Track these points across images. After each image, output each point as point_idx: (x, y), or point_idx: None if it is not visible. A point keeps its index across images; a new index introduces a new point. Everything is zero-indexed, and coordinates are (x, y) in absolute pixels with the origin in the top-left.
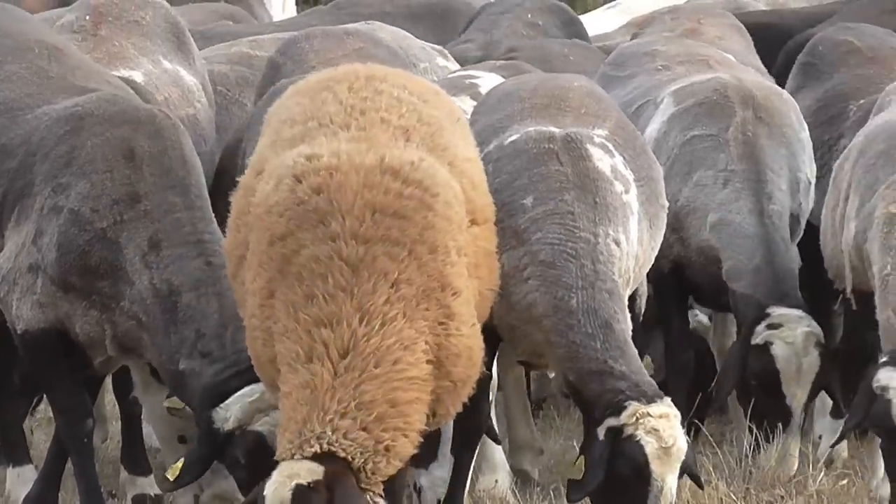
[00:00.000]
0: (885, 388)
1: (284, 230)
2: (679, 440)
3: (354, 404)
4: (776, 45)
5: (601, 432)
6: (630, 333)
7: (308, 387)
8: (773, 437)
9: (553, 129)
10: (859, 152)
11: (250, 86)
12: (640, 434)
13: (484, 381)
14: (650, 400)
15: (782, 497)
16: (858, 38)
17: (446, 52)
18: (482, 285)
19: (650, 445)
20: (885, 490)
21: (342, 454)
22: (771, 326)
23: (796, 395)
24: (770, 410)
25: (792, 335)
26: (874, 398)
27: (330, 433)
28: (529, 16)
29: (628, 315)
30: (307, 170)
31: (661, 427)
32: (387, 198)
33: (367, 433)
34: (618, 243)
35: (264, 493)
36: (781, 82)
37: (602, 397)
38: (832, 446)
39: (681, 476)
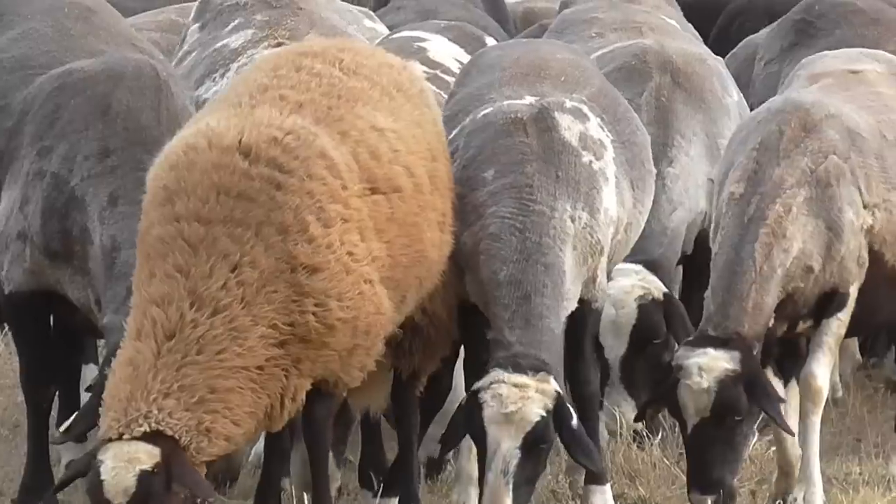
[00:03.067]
0: (678, 367)
1: (145, 207)
2: (525, 410)
3: (177, 386)
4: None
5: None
6: (560, 306)
7: (131, 364)
8: None
9: (524, 99)
10: (733, 137)
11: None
12: (486, 398)
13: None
14: (517, 369)
15: None
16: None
17: (372, 13)
18: (394, 250)
19: (490, 409)
20: None
21: (170, 432)
22: None
23: (613, 348)
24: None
25: (612, 287)
26: (670, 373)
27: (157, 412)
28: None
29: (570, 287)
30: (173, 148)
31: (508, 394)
32: (233, 178)
33: (190, 413)
34: (573, 219)
35: (101, 477)
36: (722, 46)
37: (486, 365)
38: (636, 421)
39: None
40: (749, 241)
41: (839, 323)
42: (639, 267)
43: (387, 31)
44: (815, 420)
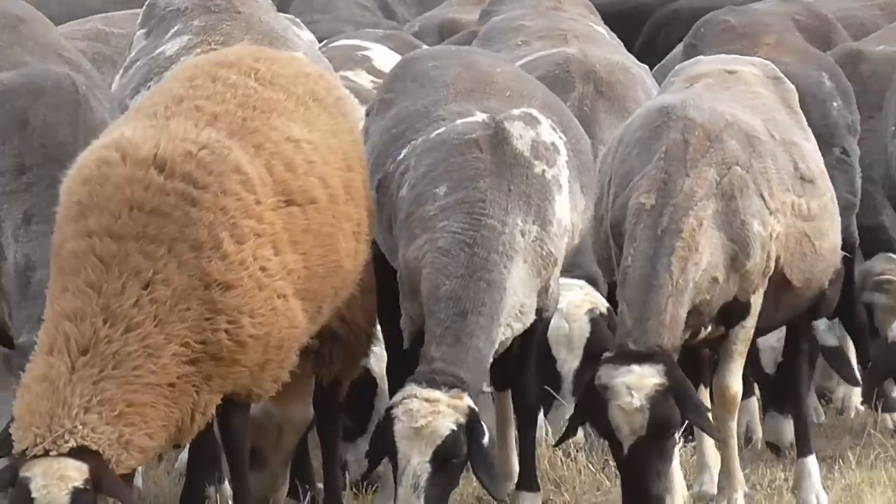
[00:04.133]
0: (603, 388)
1: (59, 221)
2: (435, 424)
3: (97, 400)
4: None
5: None
6: (495, 324)
7: (46, 379)
8: None
9: (476, 116)
10: (617, 142)
11: (107, 62)
12: (398, 413)
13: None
14: (431, 384)
15: None
16: (737, 16)
17: (298, 21)
18: (309, 261)
19: (400, 424)
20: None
21: (94, 447)
22: None
23: (566, 361)
24: (545, 377)
25: (561, 301)
26: (596, 396)
27: (80, 427)
28: None
29: (524, 302)
30: (86, 160)
31: (418, 409)
32: (146, 193)
33: (111, 427)
34: (524, 233)
35: (32, 494)
36: (647, 55)
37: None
38: (560, 441)
39: None
40: (664, 253)
41: (745, 330)
42: (582, 282)
43: (312, 38)
44: (733, 426)
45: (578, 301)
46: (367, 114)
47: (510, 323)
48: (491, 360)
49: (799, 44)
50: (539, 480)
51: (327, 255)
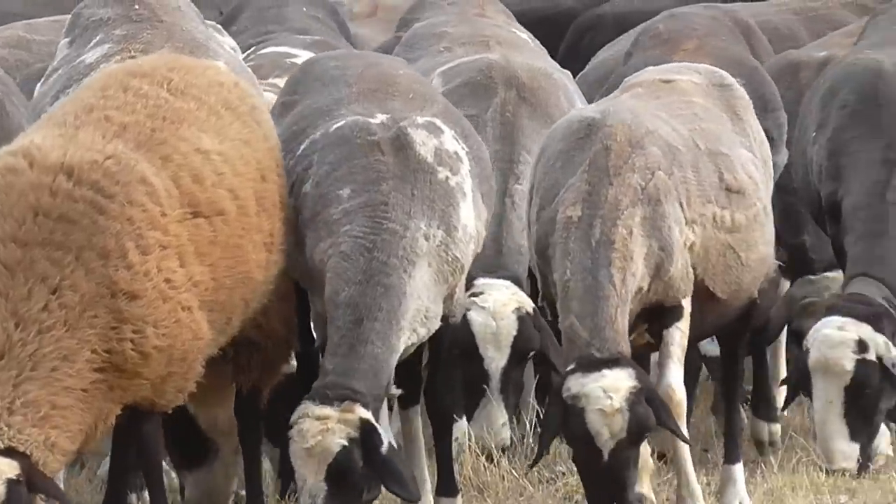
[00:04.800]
0: (575, 397)
1: None
2: (325, 442)
3: (20, 402)
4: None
5: None
6: (393, 330)
7: None
8: None
9: (377, 116)
10: (542, 152)
11: (29, 68)
12: (293, 434)
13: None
14: (323, 401)
15: (563, 473)
16: (668, 22)
17: (220, 27)
18: (217, 273)
19: (294, 445)
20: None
21: (21, 448)
22: (473, 294)
23: (494, 359)
24: (471, 376)
25: (488, 300)
26: (567, 407)
27: (6, 428)
28: (305, 9)
29: (416, 307)
30: None
31: (309, 428)
32: (54, 200)
33: (38, 430)
34: (427, 237)
35: None
36: (571, 60)
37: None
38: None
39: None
40: (603, 265)
41: (681, 333)
42: (507, 282)
43: (234, 45)
44: (683, 432)
45: (505, 300)
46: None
47: (415, 328)
48: (392, 364)
49: (720, 49)
50: (462, 486)
51: (236, 266)
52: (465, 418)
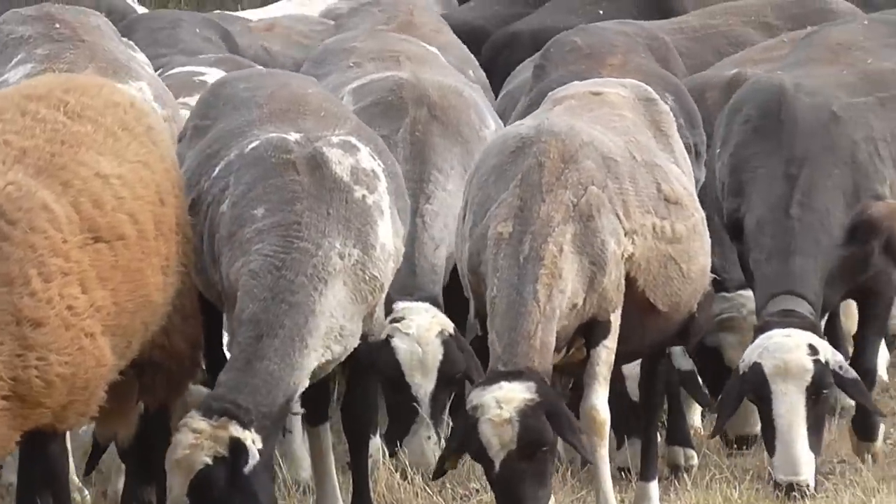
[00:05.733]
0: (473, 408)
1: None
2: (191, 457)
3: None
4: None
5: None
6: (295, 347)
7: None
8: None
9: (292, 135)
10: (476, 168)
11: None
12: (172, 441)
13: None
14: (206, 414)
15: (477, 490)
16: (584, 37)
17: (132, 44)
18: (118, 297)
19: (168, 453)
20: None
21: None
22: (394, 320)
23: (422, 385)
24: (399, 404)
25: (411, 325)
26: (467, 417)
27: None
28: (198, 30)
29: (328, 324)
30: None
31: (181, 441)
32: None
33: None
34: (343, 256)
35: None
36: (487, 77)
37: None
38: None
39: None
40: (529, 281)
41: (608, 351)
42: (427, 305)
43: (147, 61)
44: (604, 453)
45: (428, 324)
46: (180, 140)
47: (329, 346)
48: (294, 382)
49: (644, 64)
50: (376, 503)
51: (136, 290)
52: (379, 435)
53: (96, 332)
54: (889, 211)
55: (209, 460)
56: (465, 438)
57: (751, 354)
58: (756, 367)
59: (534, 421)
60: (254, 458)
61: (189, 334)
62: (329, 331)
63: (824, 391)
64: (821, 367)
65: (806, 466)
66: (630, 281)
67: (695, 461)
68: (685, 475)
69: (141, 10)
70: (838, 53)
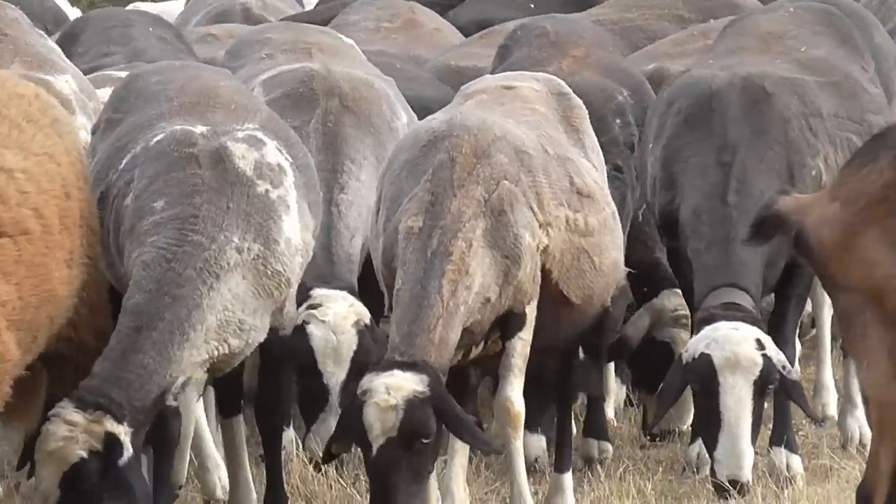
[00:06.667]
0: (362, 392)
1: None
2: (66, 450)
3: None
4: None
5: None
6: (175, 340)
7: None
8: None
9: (197, 128)
10: (389, 162)
11: None
12: (42, 431)
13: None
14: (78, 405)
15: None
16: (555, 24)
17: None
18: (23, 292)
19: (39, 443)
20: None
21: None
22: (310, 307)
23: (334, 374)
24: (310, 390)
25: (327, 313)
26: (355, 399)
27: None
28: (151, 29)
29: (221, 318)
30: None
31: (55, 432)
32: None
33: None
34: (241, 251)
35: None
36: None
37: None
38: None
39: None
40: (435, 276)
41: (523, 343)
42: (344, 293)
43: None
44: (519, 445)
45: (344, 313)
46: (94, 132)
47: (226, 339)
48: (174, 376)
49: (606, 59)
50: (290, 495)
51: (41, 284)
52: (292, 427)
53: (1, 327)
54: (797, 205)
55: (84, 454)
56: (349, 420)
57: (696, 345)
58: (704, 358)
59: (419, 412)
60: (128, 451)
61: (97, 326)
62: (224, 324)
63: (770, 386)
64: (769, 363)
65: (749, 463)
66: (545, 273)
67: (609, 453)
68: (599, 467)
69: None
70: (769, 42)
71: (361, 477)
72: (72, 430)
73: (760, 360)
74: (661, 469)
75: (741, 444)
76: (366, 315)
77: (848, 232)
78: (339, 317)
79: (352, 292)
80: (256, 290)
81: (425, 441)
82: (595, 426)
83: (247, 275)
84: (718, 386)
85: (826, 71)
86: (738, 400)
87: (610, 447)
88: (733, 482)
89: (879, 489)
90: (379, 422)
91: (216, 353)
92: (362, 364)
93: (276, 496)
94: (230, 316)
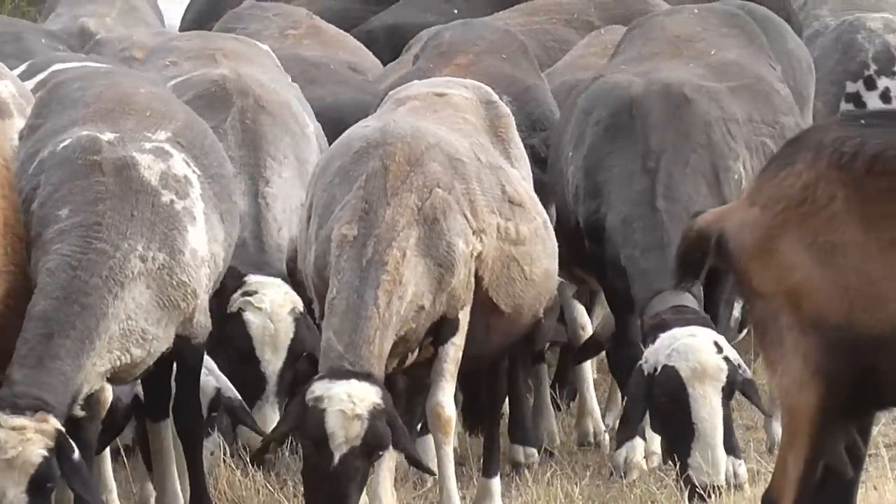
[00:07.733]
0: (318, 399)
1: None
2: (27, 452)
3: None
4: None
5: None
6: (86, 349)
7: None
8: None
9: (105, 135)
10: (321, 169)
11: None
12: None
13: None
14: (15, 410)
15: None
16: (454, 32)
17: None
18: None
19: None
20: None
21: None
22: (246, 294)
23: (271, 362)
24: (246, 377)
25: (264, 300)
26: (307, 409)
27: None
28: (45, 41)
29: (124, 327)
30: None
31: (6, 439)
32: None
33: None
34: (145, 259)
35: None
36: None
37: None
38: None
39: None
40: (371, 285)
41: (455, 348)
42: (279, 280)
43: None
44: (449, 450)
45: (281, 300)
46: (20, 139)
47: (128, 348)
48: (81, 384)
49: (494, 66)
50: (216, 500)
51: None
52: (217, 431)
53: None
54: (717, 215)
55: (45, 453)
56: (305, 424)
57: (657, 356)
58: (669, 371)
59: (381, 424)
60: (75, 447)
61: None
62: (127, 333)
63: (735, 390)
64: (732, 366)
65: (724, 467)
66: (477, 279)
67: (535, 459)
68: (526, 472)
69: None
70: (680, 46)
71: (288, 482)
72: (23, 434)
73: (725, 366)
74: (588, 474)
75: (717, 452)
76: (300, 303)
77: (767, 235)
78: (275, 304)
79: (284, 280)
80: (161, 300)
81: (381, 453)
82: (520, 431)
83: (151, 284)
84: (688, 398)
85: (738, 74)
86: (710, 410)
87: (536, 452)
88: (712, 486)
89: (787, 496)
90: (343, 430)
91: (118, 362)
92: (298, 352)
93: (200, 501)
94: (133, 325)
